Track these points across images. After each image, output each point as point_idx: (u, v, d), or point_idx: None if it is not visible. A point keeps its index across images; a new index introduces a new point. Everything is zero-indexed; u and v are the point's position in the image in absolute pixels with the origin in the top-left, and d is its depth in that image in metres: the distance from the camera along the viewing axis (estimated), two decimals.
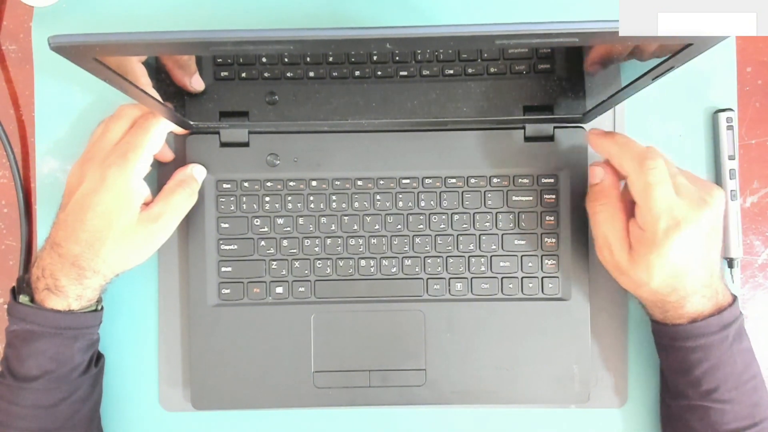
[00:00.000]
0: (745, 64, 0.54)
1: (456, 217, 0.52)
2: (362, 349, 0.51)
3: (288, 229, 0.52)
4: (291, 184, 0.52)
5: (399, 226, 0.52)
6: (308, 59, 0.50)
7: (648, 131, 0.53)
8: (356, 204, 0.52)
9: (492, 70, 0.50)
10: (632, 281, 0.45)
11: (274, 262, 0.52)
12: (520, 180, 0.52)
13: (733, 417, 0.44)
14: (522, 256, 0.51)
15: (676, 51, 0.35)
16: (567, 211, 0.51)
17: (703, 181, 0.46)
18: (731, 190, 0.52)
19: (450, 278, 0.52)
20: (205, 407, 0.51)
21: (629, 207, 0.46)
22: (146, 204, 0.47)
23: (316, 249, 0.52)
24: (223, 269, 0.52)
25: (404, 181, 0.52)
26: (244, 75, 0.51)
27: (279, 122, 0.51)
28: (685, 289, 0.44)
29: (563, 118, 0.50)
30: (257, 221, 0.52)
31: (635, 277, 0.45)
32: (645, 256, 0.43)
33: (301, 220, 0.52)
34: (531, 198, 0.52)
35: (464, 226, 0.52)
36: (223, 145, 0.52)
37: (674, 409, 0.48)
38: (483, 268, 0.51)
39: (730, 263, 0.52)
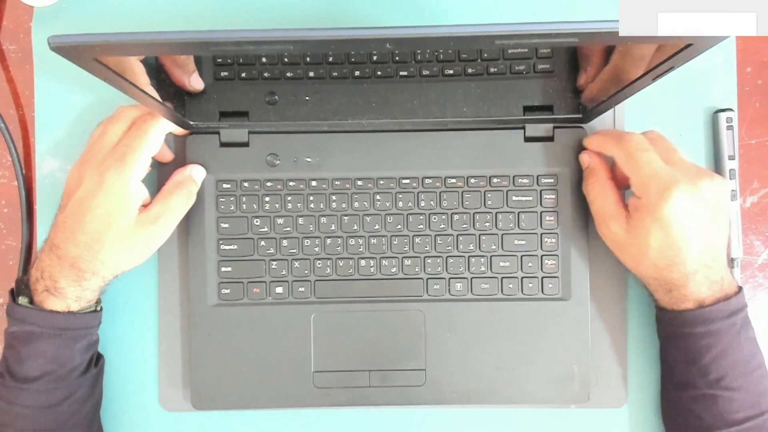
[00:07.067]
0: (745, 64, 0.54)
1: (456, 217, 0.52)
2: (362, 349, 0.51)
3: (288, 229, 0.52)
4: (291, 184, 0.52)
5: (399, 226, 0.52)
6: (308, 59, 0.50)
7: None
8: (356, 204, 0.52)
9: (492, 70, 0.50)
10: (631, 254, 0.46)
11: (274, 262, 0.52)
12: (520, 180, 0.52)
13: (740, 405, 0.44)
14: (522, 256, 0.51)
15: (676, 51, 0.35)
16: (567, 211, 0.51)
17: (707, 170, 0.46)
18: (731, 190, 0.52)
19: (450, 278, 0.52)
20: (205, 407, 0.51)
21: (622, 183, 0.48)
22: (144, 206, 0.48)
23: (316, 249, 0.52)
24: (223, 269, 0.52)
25: (404, 181, 0.52)
26: (244, 75, 0.51)
27: (279, 122, 0.51)
28: (685, 265, 0.44)
29: (563, 118, 0.50)
30: (257, 221, 0.52)
31: (633, 248, 0.46)
32: (641, 220, 0.45)
33: (301, 220, 0.52)
34: (531, 198, 0.51)
35: (464, 226, 0.52)
36: (223, 145, 0.52)
37: (681, 401, 0.48)
38: (483, 268, 0.51)
39: (730, 263, 0.52)
